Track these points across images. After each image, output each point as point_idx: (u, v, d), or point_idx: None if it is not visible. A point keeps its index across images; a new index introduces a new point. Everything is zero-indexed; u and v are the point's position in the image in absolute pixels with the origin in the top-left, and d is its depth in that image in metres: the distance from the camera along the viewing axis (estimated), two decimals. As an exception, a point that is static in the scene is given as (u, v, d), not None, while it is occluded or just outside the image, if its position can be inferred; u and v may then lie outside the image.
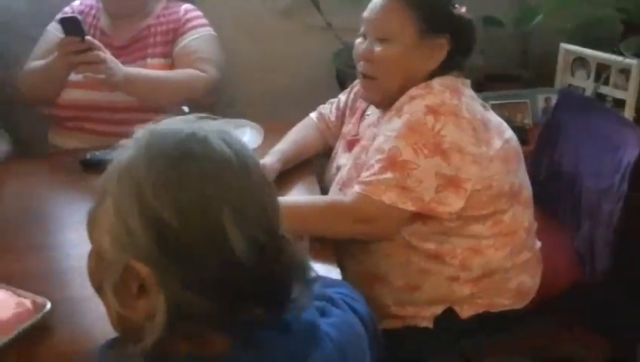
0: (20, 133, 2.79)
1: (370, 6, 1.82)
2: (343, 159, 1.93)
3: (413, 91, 1.74)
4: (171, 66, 2.42)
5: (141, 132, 0.94)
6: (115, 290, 0.89)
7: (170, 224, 0.85)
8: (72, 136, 2.47)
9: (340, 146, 2.00)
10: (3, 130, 2.65)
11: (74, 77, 2.35)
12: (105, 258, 0.90)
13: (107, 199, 0.90)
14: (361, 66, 1.84)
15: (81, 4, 2.60)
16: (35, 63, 2.44)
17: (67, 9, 2.58)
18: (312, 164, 2.02)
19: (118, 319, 0.92)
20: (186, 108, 1.73)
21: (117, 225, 0.88)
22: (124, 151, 0.92)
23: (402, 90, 1.77)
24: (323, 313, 1.00)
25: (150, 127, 0.95)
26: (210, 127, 0.93)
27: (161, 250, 0.85)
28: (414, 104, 1.71)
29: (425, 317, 1.82)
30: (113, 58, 2.21)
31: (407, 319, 1.83)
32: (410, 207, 1.65)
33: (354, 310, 1.05)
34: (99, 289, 0.94)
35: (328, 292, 1.07)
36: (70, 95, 2.42)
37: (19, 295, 1.43)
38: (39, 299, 1.41)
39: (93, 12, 2.53)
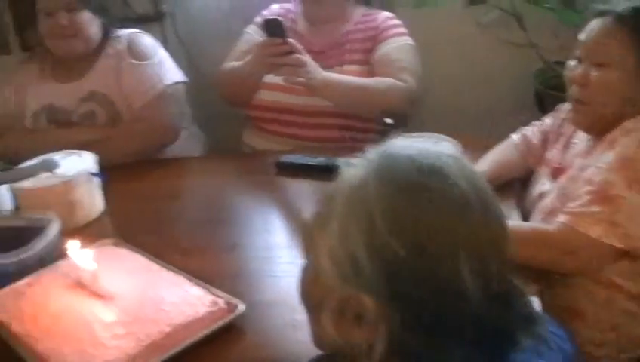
0: (214, 132, 2.91)
1: (589, 29, 1.76)
2: (546, 186, 1.88)
3: (629, 124, 1.68)
4: (368, 74, 2.44)
5: (372, 153, 0.93)
6: (333, 315, 0.89)
7: (400, 257, 0.83)
8: (268, 138, 2.55)
9: (543, 172, 1.95)
10: (197, 129, 2.77)
11: (273, 79, 2.42)
12: (324, 281, 0.89)
13: (331, 220, 0.89)
14: (573, 91, 1.78)
15: (280, 7, 2.68)
16: (232, 64, 2.54)
17: (266, 12, 2.67)
18: (512, 186, 1.97)
19: (327, 340, 0.92)
20: (389, 120, 1.74)
21: (340, 250, 0.87)
22: (353, 171, 0.91)
23: (615, 119, 1.70)
24: (538, 355, 0.97)
25: (382, 148, 0.93)
26: (447, 156, 0.90)
27: (388, 283, 0.84)
28: (630, 138, 1.64)
29: (621, 360, 1.75)
30: (313, 62, 2.26)
31: (602, 360, 1.76)
32: (616, 243, 1.59)
33: (562, 350, 1.01)
34: (311, 306, 0.95)
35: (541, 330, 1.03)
36: (268, 97, 2.50)
37: (213, 293, 1.49)
38: (233, 300, 1.46)
39: (291, 16, 2.61)
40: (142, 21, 2.97)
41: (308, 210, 1.95)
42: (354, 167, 0.92)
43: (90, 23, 2.43)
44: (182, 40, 3.00)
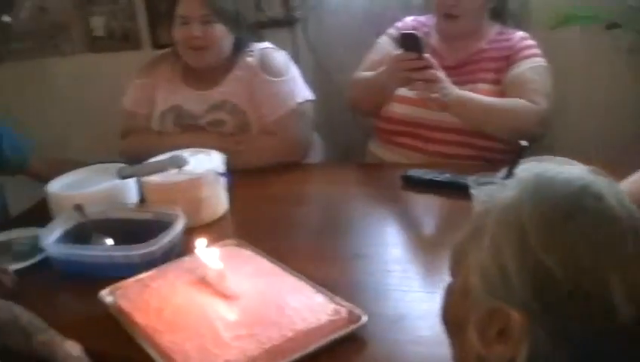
0: (338, 139, 2.92)
1: None
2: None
3: None
4: (500, 94, 2.39)
5: (526, 174, 0.93)
6: (478, 329, 0.89)
7: (552, 274, 0.83)
8: (394, 150, 2.54)
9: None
10: (317, 136, 2.78)
11: (404, 92, 2.41)
12: (471, 296, 0.90)
13: (484, 238, 0.89)
14: None
15: (414, 20, 2.66)
16: (364, 73, 2.55)
17: (400, 24, 2.66)
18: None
19: (472, 358, 0.92)
20: (524, 143, 1.70)
21: (491, 265, 0.87)
22: (504, 191, 0.91)
23: None
24: None
25: (536, 170, 0.93)
26: (601, 179, 0.90)
27: (537, 298, 0.84)
28: None
29: None
30: (447, 78, 2.24)
31: None
32: None
33: None
34: (456, 328, 0.95)
35: None
36: (398, 109, 2.49)
37: (336, 302, 1.47)
38: (356, 310, 1.44)
39: (425, 30, 2.59)
40: (273, 25, 3.01)
41: (432, 226, 1.94)
42: (506, 187, 0.92)
43: (224, 37, 2.48)
44: (312, 46, 3.02)
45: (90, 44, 3.48)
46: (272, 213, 2.10)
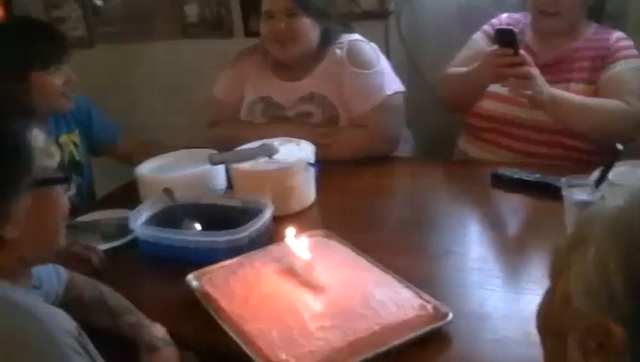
0: (426, 134, 2.91)
1: None
2: None
3: None
4: (594, 93, 2.34)
5: (634, 183, 0.91)
6: (579, 342, 0.87)
7: None
8: (483, 147, 2.51)
9: None
10: (407, 130, 2.77)
11: (496, 89, 2.38)
12: (573, 306, 0.88)
13: (589, 248, 0.87)
14: None
15: (508, 17, 2.63)
16: (456, 69, 2.53)
17: (495, 21, 2.63)
18: None
19: None
20: (620, 146, 1.66)
21: (596, 278, 0.85)
22: (613, 200, 0.89)
23: None
24: None
25: None
26: None
27: None
28: None
29: None
30: (541, 76, 2.20)
31: None
32: None
33: None
34: (552, 330, 0.93)
35: None
36: (490, 106, 2.46)
37: (422, 298, 1.47)
38: (442, 307, 1.44)
39: (520, 27, 2.55)
40: (366, 17, 3.01)
41: (520, 226, 1.92)
42: (613, 195, 0.90)
43: (309, 30, 2.48)
44: (404, 39, 3.01)
45: (183, 31, 3.53)
46: (359, 205, 2.11)
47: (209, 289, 1.59)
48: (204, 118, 2.75)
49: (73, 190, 1.34)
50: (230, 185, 2.17)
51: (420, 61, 3.03)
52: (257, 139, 2.22)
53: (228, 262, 1.70)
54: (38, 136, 1.23)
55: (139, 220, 1.92)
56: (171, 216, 1.95)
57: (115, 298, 1.59)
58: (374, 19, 3.03)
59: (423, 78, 2.97)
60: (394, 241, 1.87)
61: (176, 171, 2.16)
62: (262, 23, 2.52)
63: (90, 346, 1.21)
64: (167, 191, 2.00)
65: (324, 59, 2.53)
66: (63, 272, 1.60)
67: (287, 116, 2.54)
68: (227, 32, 3.41)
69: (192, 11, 3.46)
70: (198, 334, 1.52)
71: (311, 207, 2.09)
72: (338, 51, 2.52)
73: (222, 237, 1.75)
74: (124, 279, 1.76)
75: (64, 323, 1.16)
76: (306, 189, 2.07)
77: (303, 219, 2.00)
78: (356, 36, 2.58)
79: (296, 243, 1.62)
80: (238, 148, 2.16)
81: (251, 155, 2.06)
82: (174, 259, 1.81)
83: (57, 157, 1.29)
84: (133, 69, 3.74)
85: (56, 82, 2.25)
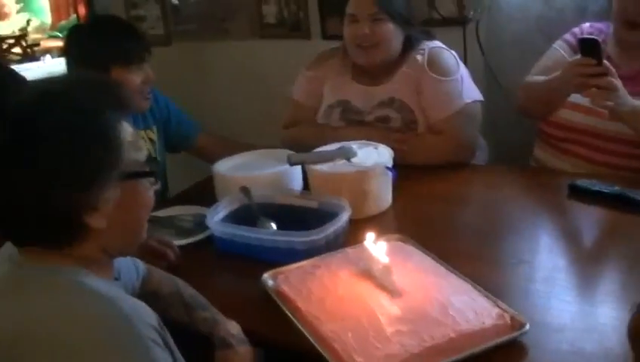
0: (503, 142, 2.89)
1: None
2: None
3: None
4: None
5: None
6: None
7: None
8: (559, 157, 2.49)
9: None
10: (481, 138, 2.76)
11: (576, 99, 2.36)
12: None
13: None
14: None
15: (591, 26, 2.60)
16: (536, 77, 2.51)
17: (577, 30, 2.59)
18: None
19: None
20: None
21: None
22: None
23: None
24: None
25: None
26: None
27: None
28: None
29: None
30: (623, 88, 2.18)
31: None
32: None
33: None
34: None
35: None
36: (569, 116, 2.44)
37: (499, 307, 1.47)
38: (519, 317, 1.44)
39: (602, 37, 2.51)
40: (445, 24, 3.00)
41: (598, 239, 1.90)
42: None
43: (393, 35, 2.49)
44: (482, 47, 3.00)
45: (260, 31, 3.57)
46: (433, 211, 2.11)
47: (285, 288, 1.61)
48: (278, 118, 2.78)
49: (159, 185, 1.36)
50: (306, 186, 2.19)
51: (498, 69, 3.02)
52: (333, 142, 2.24)
53: (304, 262, 1.72)
54: (127, 129, 1.26)
55: (215, 217, 1.95)
56: (247, 215, 1.99)
57: (190, 293, 1.61)
58: (453, 26, 3.03)
59: (500, 85, 2.95)
60: (468, 249, 1.86)
61: (253, 170, 2.19)
62: (345, 27, 2.53)
63: (170, 339, 1.24)
64: (244, 190, 2.03)
65: (403, 65, 2.53)
66: (141, 265, 1.64)
67: (365, 120, 2.55)
68: (305, 34, 3.44)
69: (270, 12, 3.50)
70: (272, 332, 1.55)
71: (386, 211, 2.10)
72: (419, 57, 2.52)
73: (300, 238, 1.78)
74: (198, 275, 1.79)
75: (146, 315, 1.19)
76: (383, 194, 2.08)
77: (378, 223, 2.00)
78: (437, 43, 2.58)
79: (375, 246, 1.62)
80: (317, 150, 2.18)
81: (330, 157, 2.08)
82: (248, 257, 1.85)
83: (145, 151, 1.32)
84: (210, 68, 3.80)
85: (136, 80, 2.29)
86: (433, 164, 2.39)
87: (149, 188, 1.32)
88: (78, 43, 2.30)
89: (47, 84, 1.28)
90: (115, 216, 1.24)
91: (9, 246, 1.36)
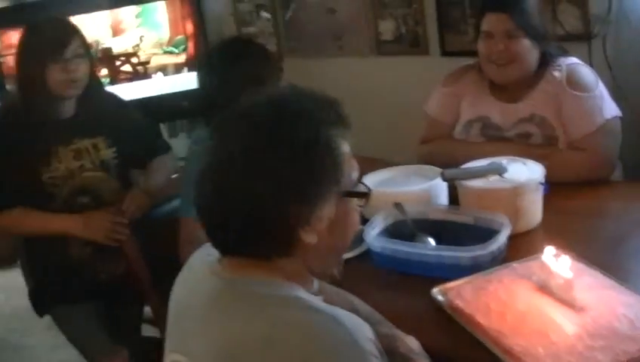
0: (634, 159, 2.87)
1: None
2: None
3: None
4: None
5: None
6: None
7: None
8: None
9: None
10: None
11: None
12: None
13: None
14: None
15: None
16: None
17: None
18: None
19: None
20: None
21: None
22: None
23: None
24: None
25: None
26: None
27: None
28: None
29: None
30: None
31: None
32: None
33: None
34: None
35: None
36: None
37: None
38: None
39: None
40: (569, 39, 3.00)
41: None
42: None
43: (528, 52, 2.49)
44: (609, 63, 2.98)
45: (377, 47, 3.62)
46: (585, 226, 2.11)
47: (460, 303, 1.65)
48: (400, 133, 2.81)
49: (365, 204, 1.37)
50: (452, 202, 2.22)
51: (625, 85, 3.00)
52: (474, 159, 2.26)
53: (471, 277, 1.75)
54: (346, 147, 1.29)
55: (372, 232, 1.99)
56: (401, 230, 2.03)
57: (366, 309, 1.62)
58: (577, 41, 3.02)
59: (627, 102, 2.93)
60: (624, 265, 1.86)
61: (401, 186, 2.22)
62: (480, 43, 2.55)
63: (382, 352, 1.27)
64: (398, 206, 2.07)
65: (541, 81, 2.54)
66: (315, 282, 1.67)
67: (506, 137, 2.56)
68: (423, 50, 3.47)
69: (387, 28, 3.54)
70: (453, 348, 1.58)
71: (537, 227, 2.11)
72: (556, 74, 2.51)
73: (466, 253, 1.81)
74: (359, 291, 1.78)
75: (365, 329, 1.22)
76: (535, 209, 2.10)
77: (530, 238, 2.03)
78: (573, 59, 2.58)
79: (555, 261, 1.64)
80: (467, 166, 2.20)
81: (482, 173, 2.11)
82: (406, 272, 1.89)
83: (358, 170, 1.34)
84: (323, 84, 3.82)
85: None
86: (573, 181, 2.37)
87: (357, 209, 1.34)
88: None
89: (276, 94, 1.32)
90: (325, 234, 1.27)
91: (200, 259, 1.41)
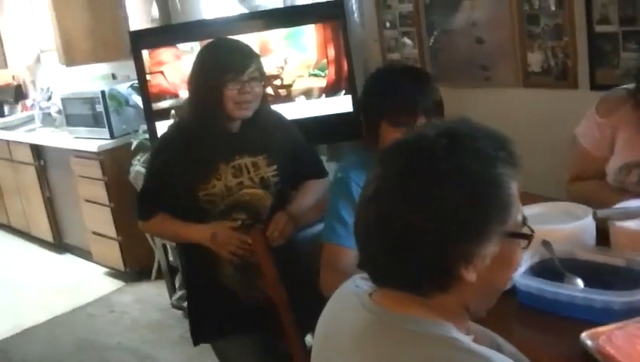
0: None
1: None
2: None
3: None
4: None
5: None
6: None
7: None
8: None
9: None
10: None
11: None
12: None
13: None
14: None
15: None
16: None
17: None
18: None
19: None
20: None
21: None
22: None
23: None
24: None
25: None
26: None
27: None
28: None
29: None
30: None
31: None
32: None
33: None
34: None
35: None
36: None
37: None
38: None
39: None
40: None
41: None
42: None
43: None
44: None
45: (525, 79, 3.56)
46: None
47: (611, 350, 1.60)
48: (551, 168, 2.74)
49: (527, 247, 1.34)
50: (600, 242, 2.15)
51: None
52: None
53: (623, 323, 1.70)
54: (516, 189, 1.27)
55: (519, 270, 1.96)
56: (548, 269, 1.98)
57: (511, 350, 1.58)
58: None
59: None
60: None
61: (548, 223, 2.17)
62: None
63: None
64: (546, 244, 2.03)
65: None
66: None
67: None
68: (571, 83, 3.39)
69: (536, 59, 3.48)
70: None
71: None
72: None
73: (619, 298, 1.75)
74: (504, 328, 1.74)
75: None
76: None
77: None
78: None
79: None
80: (621, 206, 2.13)
81: (637, 214, 2.04)
82: (554, 313, 1.85)
83: (523, 213, 1.32)
84: (469, 114, 3.80)
85: None
86: None
87: (520, 251, 1.32)
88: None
89: (449, 126, 1.31)
90: (486, 273, 1.26)
91: (349, 290, 1.41)
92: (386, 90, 2.36)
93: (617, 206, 2.16)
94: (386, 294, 1.32)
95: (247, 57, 2.59)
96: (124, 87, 5.30)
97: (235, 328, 2.65)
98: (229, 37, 2.89)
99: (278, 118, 2.84)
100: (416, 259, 1.23)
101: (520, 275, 1.94)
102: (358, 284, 1.41)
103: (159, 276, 5.12)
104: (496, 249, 1.25)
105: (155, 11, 5.12)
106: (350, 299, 1.38)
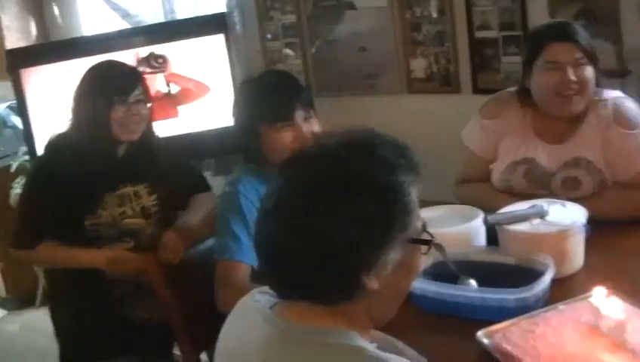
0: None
1: None
2: None
3: None
4: None
5: None
6: None
7: None
8: None
9: None
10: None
11: None
12: None
13: None
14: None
15: None
16: None
17: None
18: None
19: None
20: None
21: None
22: None
23: None
24: None
25: None
26: None
27: None
28: None
29: None
30: None
31: None
32: None
33: None
34: None
35: None
36: None
37: None
38: None
39: None
40: (604, 75, 3.00)
41: None
42: None
43: (592, 79, 2.44)
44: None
45: (409, 86, 3.64)
46: (629, 267, 2.09)
47: (507, 347, 1.65)
48: (431, 172, 2.79)
49: (427, 252, 1.37)
50: (490, 243, 2.21)
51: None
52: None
53: (516, 320, 1.76)
54: (415, 194, 1.30)
55: (416, 276, 1.99)
56: (442, 272, 2.02)
57: (412, 354, 1.59)
58: (611, 77, 3.01)
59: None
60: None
61: (438, 226, 2.20)
62: (540, 76, 2.45)
63: None
64: (439, 247, 2.06)
65: (585, 120, 2.48)
66: None
67: (550, 182, 2.52)
68: (455, 88, 3.48)
69: (419, 66, 3.57)
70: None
71: (579, 269, 2.11)
72: (602, 110, 2.46)
73: (513, 296, 1.81)
74: (403, 334, 1.72)
75: None
76: (578, 251, 2.10)
77: (574, 280, 2.04)
78: (618, 93, 2.53)
79: (605, 302, 1.65)
80: (509, 210, 2.20)
81: (525, 217, 2.11)
82: (446, 314, 1.90)
83: (422, 219, 1.34)
84: (354, 122, 3.84)
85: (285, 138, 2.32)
86: (623, 219, 2.32)
87: (420, 256, 1.35)
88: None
89: (348, 136, 1.31)
90: (387, 280, 1.28)
91: (248, 305, 1.41)
92: (257, 92, 2.38)
93: (504, 210, 2.21)
94: (288, 306, 1.32)
95: (133, 79, 2.60)
96: (1, 108, 5.12)
97: (111, 351, 2.62)
98: (114, 59, 2.85)
99: (159, 140, 2.81)
100: (320, 269, 1.24)
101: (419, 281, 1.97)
102: (257, 299, 1.41)
103: (44, 302, 4.96)
104: (397, 256, 1.27)
105: (33, 29, 4.98)
106: (251, 315, 1.38)
